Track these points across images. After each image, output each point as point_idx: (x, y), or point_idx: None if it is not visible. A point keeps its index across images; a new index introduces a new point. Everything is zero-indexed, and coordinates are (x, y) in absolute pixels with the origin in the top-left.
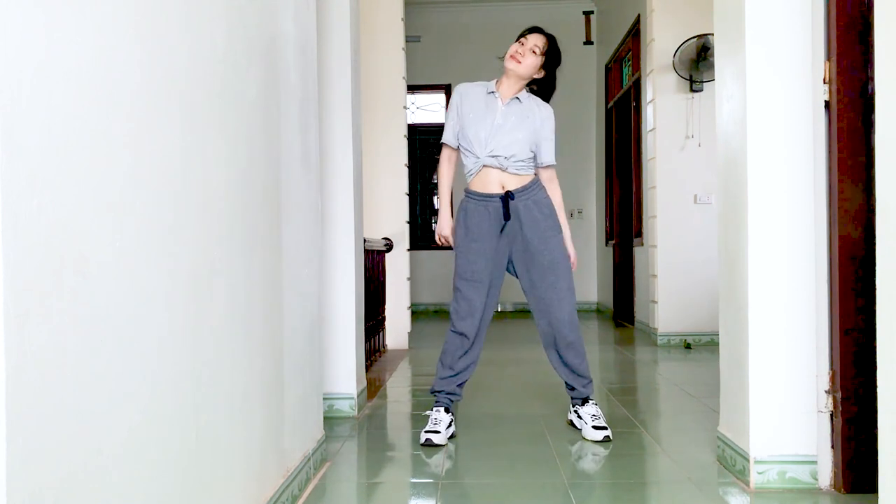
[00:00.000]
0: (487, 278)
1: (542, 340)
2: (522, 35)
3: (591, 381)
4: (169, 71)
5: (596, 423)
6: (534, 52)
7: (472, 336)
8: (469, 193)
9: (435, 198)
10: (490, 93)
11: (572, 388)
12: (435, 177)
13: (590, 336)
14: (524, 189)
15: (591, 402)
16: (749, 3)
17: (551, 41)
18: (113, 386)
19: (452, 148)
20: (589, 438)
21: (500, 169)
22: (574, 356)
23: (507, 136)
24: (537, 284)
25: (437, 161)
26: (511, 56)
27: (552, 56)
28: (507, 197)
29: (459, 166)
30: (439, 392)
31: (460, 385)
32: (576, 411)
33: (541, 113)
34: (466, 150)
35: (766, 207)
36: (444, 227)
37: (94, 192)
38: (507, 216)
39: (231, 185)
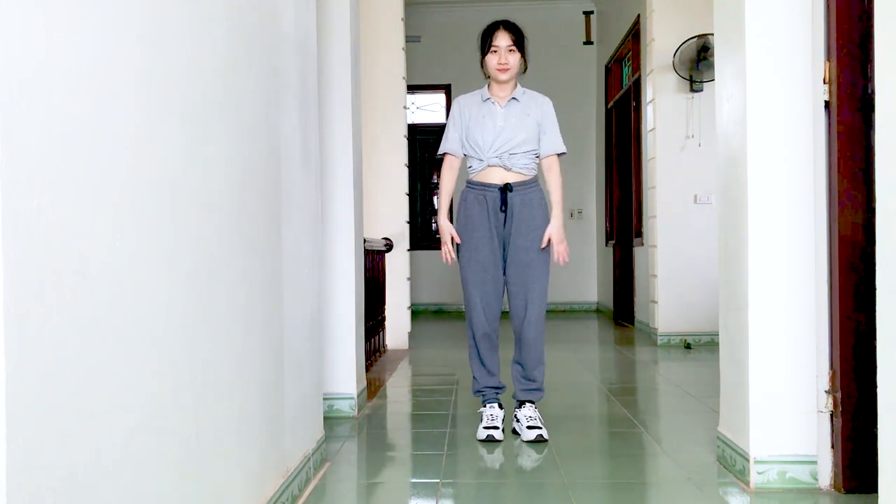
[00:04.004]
0: (493, 266)
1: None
2: (487, 40)
3: (539, 390)
4: (169, 71)
5: (530, 424)
6: (511, 51)
7: (495, 327)
8: (470, 184)
9: (435, 198)
10: (486, 100)
11: (514, 393)
12: (436, 177)
13: (590, 336)
14: (522, 184)
15: (529, 405)
16: (749, 3)
17: (514, 29)
18: (113, 386)
19: (455, 156)
20: (523, 439)
21: (503, 168)
22: (529, 357)
23: (511, 139)
24: (512, 280)
25: (436, 161)
26: (498, 69)
27: (522, 41)
28: (506, 188)
29: (462, 171)
30: (484, 390)
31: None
32: (514, 415)
33: (540, 108)
34: (472, 155)
35: (766, 207)
36: (444, 222)
37: (94, 192)
38: (503, 207)
39: (231, 184)
